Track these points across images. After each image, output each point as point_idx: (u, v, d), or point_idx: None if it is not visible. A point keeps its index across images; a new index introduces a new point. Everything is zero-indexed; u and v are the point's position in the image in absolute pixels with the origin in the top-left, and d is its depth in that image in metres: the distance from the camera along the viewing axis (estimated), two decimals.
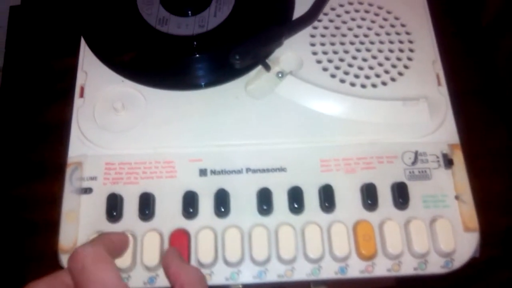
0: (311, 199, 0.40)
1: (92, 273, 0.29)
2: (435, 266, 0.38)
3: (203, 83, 0.44)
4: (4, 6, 0.59)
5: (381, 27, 0.46)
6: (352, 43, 0.46)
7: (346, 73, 0.44)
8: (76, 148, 0.42)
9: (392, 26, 0.47)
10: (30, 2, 0.59)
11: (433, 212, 0.40)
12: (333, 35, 0.46)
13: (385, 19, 0.47)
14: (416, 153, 0.42)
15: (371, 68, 0.44)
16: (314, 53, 0.45)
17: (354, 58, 0.45)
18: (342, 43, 0.46)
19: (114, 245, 0.34)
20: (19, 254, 0.45)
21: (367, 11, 0.47)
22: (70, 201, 0.40)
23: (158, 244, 0.38)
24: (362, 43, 0.46)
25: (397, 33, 0.46)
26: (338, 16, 0.47)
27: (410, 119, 0.42)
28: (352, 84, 0.44)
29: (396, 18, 0.47)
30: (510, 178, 0.49)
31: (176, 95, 0.43)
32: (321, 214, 0.39)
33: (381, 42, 0.46)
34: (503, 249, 0.46)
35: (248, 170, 0.41)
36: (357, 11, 0.47)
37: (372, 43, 0.46)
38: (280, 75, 0.44)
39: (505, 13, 0.56)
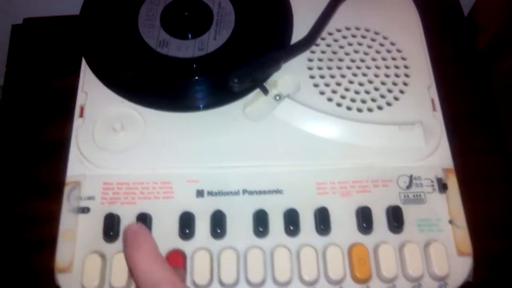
0: (307, 221, 0.40)
1: None
2: None
3: (201, 105, 0.44)
4: (6, 24, 0.60)
5: (378, 52, 0.47)
6: (349, 68, 0.46)
7: (343, 97, 0.45)
8: (75, 167, 0.42)
9: (388, 51, 0.47)
10: (31, 21, 0.60)
11: (427, 236, 0.40)
12: (330, 60, 0.47)
13: (381, 45, 0.48)
14: (411, 177, 0.42)
15: (367, 92, 0.45)
16: (312, 77, 0.46)
17: (351, 82, 0.46)
18: (339, 68, 0.46)
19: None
20: (17, 272, 0.45)
21: (364, 37, 0.48)
22: (67, 220, 0.40)
23: None
24: (358, 67, 0.46)
25: (393, 58, 0.47)
26: (336, 41, 0.48)
27: (405, 143, 0.43)
28: (349, 108, 0.44)
29: (392, 44, 0.48)
30: (505, 203, 0.49)
31: (175, 117, 0.44)
32: (317, 236, 0.40)
33: (377, 67, 0.46)
34: (499, 273, 0.46)
35: (244, 191, 0.41)
36: (354, 36, 0.48)
37: (368, 68, 0.46)
38: (277, 98, 0.45)
39: (499, 38, 0.57)
